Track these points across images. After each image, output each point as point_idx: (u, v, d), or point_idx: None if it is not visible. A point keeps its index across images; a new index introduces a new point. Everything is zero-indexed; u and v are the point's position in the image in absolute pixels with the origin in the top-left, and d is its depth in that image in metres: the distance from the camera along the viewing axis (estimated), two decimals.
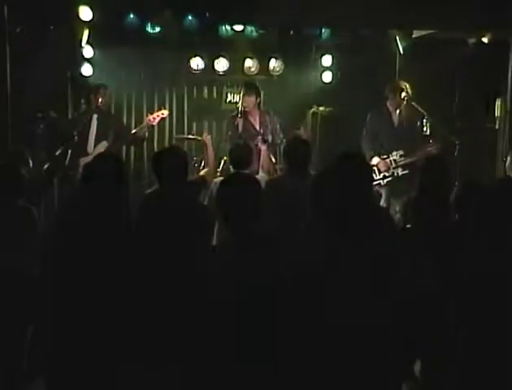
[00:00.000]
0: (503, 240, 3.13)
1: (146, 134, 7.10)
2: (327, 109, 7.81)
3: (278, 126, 6.90)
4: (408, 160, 6.59)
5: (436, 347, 3.44)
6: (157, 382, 3.28)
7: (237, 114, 6.83)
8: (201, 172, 5.94)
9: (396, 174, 6.67)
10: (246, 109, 6.83)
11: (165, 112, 7.19)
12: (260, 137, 6.67)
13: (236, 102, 7.49)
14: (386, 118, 6.80)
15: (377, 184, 6.59)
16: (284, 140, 6.48)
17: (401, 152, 6.65)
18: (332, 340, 2.97)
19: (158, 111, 7.20)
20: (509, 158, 5.80)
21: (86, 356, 3.27)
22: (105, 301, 3.27)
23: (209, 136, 6.01)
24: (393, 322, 3.05)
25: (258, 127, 6.85)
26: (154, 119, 7.00)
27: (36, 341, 3.58)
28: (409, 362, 3.55)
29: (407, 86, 6.68)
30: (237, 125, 6.83)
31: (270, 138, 6.73)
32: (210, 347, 2.91)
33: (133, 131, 7.07)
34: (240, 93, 6.99)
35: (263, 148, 6.61)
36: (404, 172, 6.62)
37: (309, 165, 4.80)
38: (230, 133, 6.81)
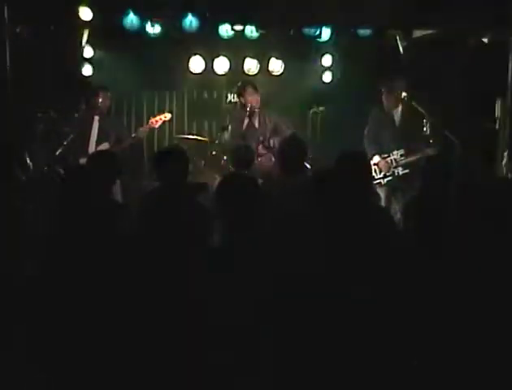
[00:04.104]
0: (502, 241, 3.13)
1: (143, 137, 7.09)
2: (321, 108, 7.80)
3: (280, 123, 6.89)
4: (408, 159, 6.60)
5: (435, 347, 3.44)
6: (156, 382, 3.28)
7: (245, 112, 6.82)
8: None
9: (396, 173, 6.68)
10: (255, 109, 6.82)
11: (168, 115, 7.18)
12: (261, 141, 6.67)
13: (236, 102, 7.51)
14: (387, 118, 6.81)
15: (377, 184, 6.60)
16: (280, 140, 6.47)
17: (401, 151, 6.66)
18: (332, 340, 2.97)
19: (160, 114, 7.19)
20: (505, 158, 5.80)
21: (86, 356, 3.27)
22: (103, 301, 3.27)
23: None
24: (392, 322, 3.05)
25: (257, 127, 6.85)
26: (156, 121, 7.00)
27: (33, 341, 3.58)
28: (408, 362, 3.54)
29: (403, 85, 6.69)
30: (242, 122, 6.83)
31: (272, 143, 6.71)
32: (205, 347, 2.91)
33: (133, 135, 7.07)
34: (243, 92, 6.97)
35: (263, 148, 6.62)
36: (404, 172, 6.64)
37: (304, 164, 4.79)
38: (230, 128, 6.84)
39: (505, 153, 5.81)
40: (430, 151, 6.37)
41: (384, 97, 6.76)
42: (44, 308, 3.40)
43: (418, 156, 6.45)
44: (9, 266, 3.89)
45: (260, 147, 6.64)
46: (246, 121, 6.87)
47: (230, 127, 6.90)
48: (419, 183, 4.61)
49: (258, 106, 6.84)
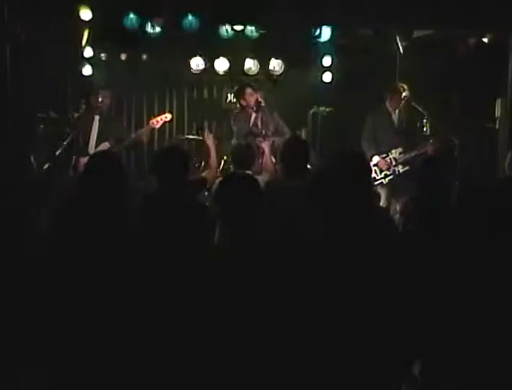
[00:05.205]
0: (504, 240, 3.14)
1: (146, 138, 7.10)
2: (327, 109, 7.80)
3: (280, 123, 6.91)
4: (408, 156, 6.61)
5: (434, 347, 3.44)
6: (156, 380, 3.29)
7: (249, 111, 6.83)
8: (203, 173, 5.91)
9: (397, 171, 6.69)
10: (259, 107, 6.84)
11: (168, 116, 7.20)
12: (261, 135, 6.68)
13: (234, 102, 7.53)
14: (386, 118, 6.82)
15: (379, 184, 6.60)
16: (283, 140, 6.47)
17: (399, 149, 6.68)
18: (331, 342, 2.97)
19: (161, 115, 7.20)
20: (508, 157, 5.79)
21: (87, 354, 3.28)
22: (105, 300, 3.28)
23: (211, 136, 5.95)
24: (392, 322, 3.05)
25: (259, 126, 6.86)
26: (157, 122, 7.01)
27: (35, 338, 3.58)
28: (408, 363, 3.55)
29: (405, 87, 6.69)
30: (249, 119, 6.84)
31: (272, 138, 6.71)
32: (207, 347, 2.91)
33: (133, 135, 7.09)
34: (242, 94, 7.00)
35: (266, 148, 6.61)
36: (405, 169, 6.64)
37: (307, 165, 4.79)
38: (236, 129, 6.85)
39: (509, 154, 5.80)
40: (428, 148, 6.39)
41: (388, 101, 6.76)
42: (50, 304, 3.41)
43: (416, 152, 6.47)
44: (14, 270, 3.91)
45: (264, 145, 6.64)
46: (253, 117, 6.87)
47: (235, 129, 6.92)
48: (417, 183, 4.59)
49: (261, 103, 6.85)
